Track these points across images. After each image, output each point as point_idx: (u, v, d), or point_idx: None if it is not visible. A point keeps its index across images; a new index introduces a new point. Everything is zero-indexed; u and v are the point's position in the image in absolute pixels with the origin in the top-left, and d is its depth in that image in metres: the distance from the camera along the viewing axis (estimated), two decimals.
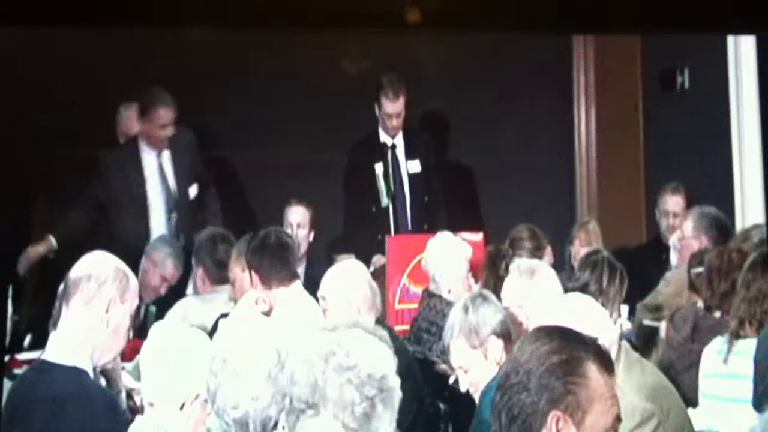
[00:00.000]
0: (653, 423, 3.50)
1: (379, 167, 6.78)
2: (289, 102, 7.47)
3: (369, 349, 2.43)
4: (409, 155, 6.84)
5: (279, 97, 7.47)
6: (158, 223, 6.29)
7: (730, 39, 7.07)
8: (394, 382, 2.42)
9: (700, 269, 5.00)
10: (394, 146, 6.87)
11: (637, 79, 8.14)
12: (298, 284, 4.94)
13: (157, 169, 6.32)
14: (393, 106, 6.69)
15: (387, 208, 6.76)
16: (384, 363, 2.42)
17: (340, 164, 6.95)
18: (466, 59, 7.84)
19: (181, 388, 3.14)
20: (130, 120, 6.54)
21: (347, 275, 4.55)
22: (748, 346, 4.25)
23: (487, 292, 4.22)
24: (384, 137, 6.84)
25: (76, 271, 3.54)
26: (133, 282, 3.58)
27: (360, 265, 4.76)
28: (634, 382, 3.60)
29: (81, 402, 3.30)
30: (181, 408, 3.15)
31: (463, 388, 4.01)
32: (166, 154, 6.35)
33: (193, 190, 6.44)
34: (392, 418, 2.40)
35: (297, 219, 6.39)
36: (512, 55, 7.85)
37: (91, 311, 3.47)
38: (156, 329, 3.41)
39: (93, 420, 3.27)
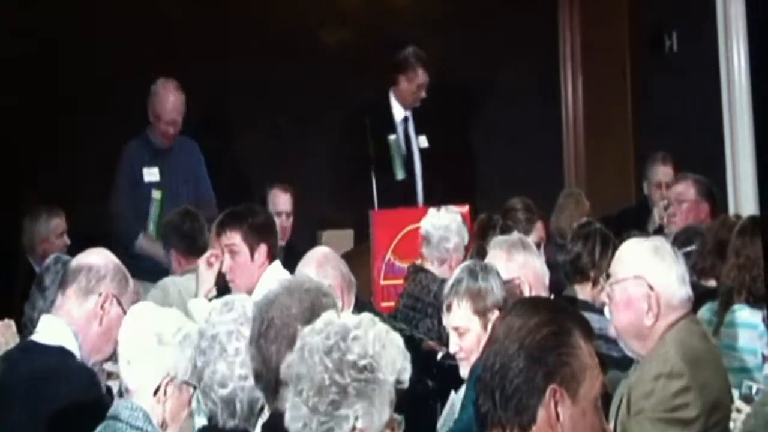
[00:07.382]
0: (682, 381, 3.31)
1: (393, 138, 6.78)
2: (267, 82, 7.39)
3: (362, 328, 2.37)
4: (418, 130, 6.91)
5: (258, 76, 7.38)
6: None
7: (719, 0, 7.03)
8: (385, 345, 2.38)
9: (689, 248, 4.92)
10: (406, 118, 6.92)
11: (625, 43, 8.10)
12: (277, 262, 4.82)
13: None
14: (425, 76, 6.77)
15: (401, 181, 6.73)
16: (377, 335, 2.36)
17: (321, 147, 7.02)
18: (449, 26, 7.78)
19: (152, 371, 3.13)
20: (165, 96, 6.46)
21: (317, 264, 4.42)
22: (738, 315, 4.22)
23: (492, 265, 4.13)
24: (398, 110, 6.85)
25: (78, 261, 3.59)
26: (131, 286, 3.61)
27: (330, 252, 4.63)
28: (675, 338, 3.44)
29: (63, 379, 3.36)
30: (155, 393, 3.12)
31: (452, 349, 3.98)
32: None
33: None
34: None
35: (287, 207, 6.37)
36: (497, 20, 7.80)
37: (87, 303, 3.50)
38: (129, 313, 3.35)
39: (75, 396, 3.31)
